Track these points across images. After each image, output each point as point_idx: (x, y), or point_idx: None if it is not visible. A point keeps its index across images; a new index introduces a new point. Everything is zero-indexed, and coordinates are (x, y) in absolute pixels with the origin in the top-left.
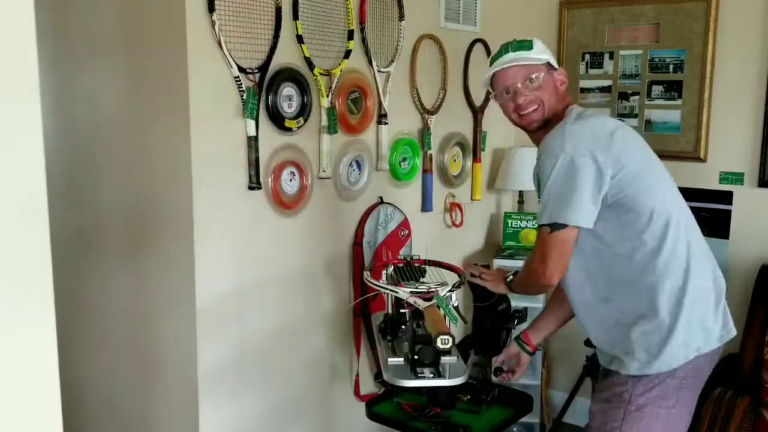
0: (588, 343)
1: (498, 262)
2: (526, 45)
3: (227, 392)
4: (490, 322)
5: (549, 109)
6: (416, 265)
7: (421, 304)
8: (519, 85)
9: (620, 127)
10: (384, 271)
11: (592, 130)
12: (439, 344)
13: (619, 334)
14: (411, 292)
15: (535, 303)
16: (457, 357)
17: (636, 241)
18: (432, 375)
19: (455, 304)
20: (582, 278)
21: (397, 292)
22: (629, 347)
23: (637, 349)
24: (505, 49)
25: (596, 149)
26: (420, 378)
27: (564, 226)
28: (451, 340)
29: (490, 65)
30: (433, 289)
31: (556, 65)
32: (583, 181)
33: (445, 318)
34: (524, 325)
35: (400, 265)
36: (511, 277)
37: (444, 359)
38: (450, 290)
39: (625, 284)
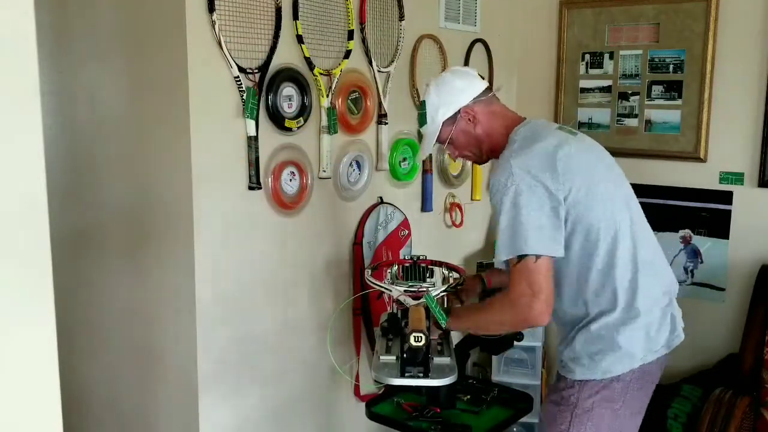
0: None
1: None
2: (422, 119)
3: (227, 392)
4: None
5: (477, 150)
6: (422, 265)
7: (410, 302)
8: (445, 151)
9: (562, 146)
10: (388, 271)
11: (537, 156)
12: (411, 341)
13: (567, 338)
14: (404, 290)
15: None
16: (450, 357)
17: (588, 262)
18: (420, 374)
19: (446, 305)
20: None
21: (390, 290)
22: (575, 353)
23: (582, 355)
24: (420, 120)
25: (544, 175)
26: (407, 377)
27: (538, 256)
28: (423, 338)
29: None
30: (424, 289)
31: (454, 110)
32: (537, 208)
33: (428, 317)
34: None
35: (407, 264)
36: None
37: (436, 359)
38: (444, 291)
39: (573, 295)
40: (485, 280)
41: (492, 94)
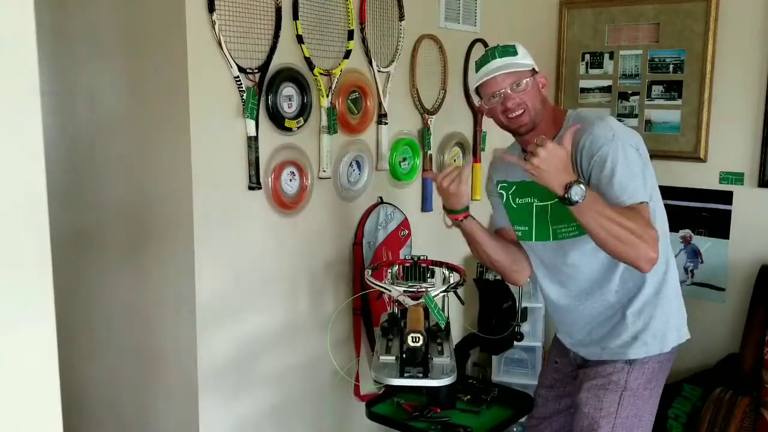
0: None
1: None
2: (511, 50)
3: (227, 392)
4: (496, 321)
5: (535, 111)
6: (423, 265)
7: (409, 302)
8: (508, 90)
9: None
10: (389, 271)
11: (625, 129)
12: (409, 342)
13: (621, 322)
14: (403, 291)
15: (536, 303)
16: (450, 357)
17: None
18: (420, 375)
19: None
20: (603, 265)
21: (389, 291)
22: (635, 332)
23: (644, 333)
24: (491, 54)
25: (639, 144)
26: (406, 377)
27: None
28: (421, 338)
29: (476, 71)
30: (423, 289)
31: (537, 68)
32: (646, 165)
33: (428, 317)
34: (526, 326)
35: (407, 264)
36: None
37: (436, 359)
38: (444, 291)
39: (627, 275)
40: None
41: None
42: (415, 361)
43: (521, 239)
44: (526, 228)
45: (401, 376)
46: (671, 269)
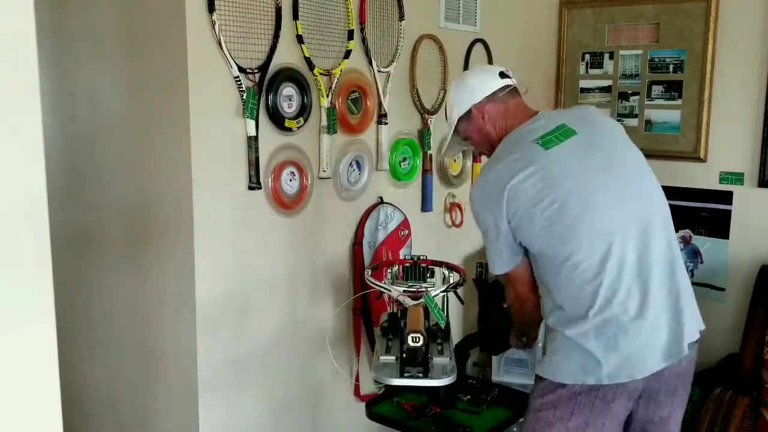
0: None
1: None
2: (447, 115)
3: (227, 392)
4: (498, 321)
5: (489, 146)
6: (423, 265)
7: (409, 302)
8: (467, 146)
9: (517, 173)
10: (389, 270)
11: (489, 189)
12: (409, 342)
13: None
14: (403, 290)
15: None
16: (450, 357)
17: (570, 274)
18: (420, 374)
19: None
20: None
21: (389, 291)
22: (547, 349)
23: (548, 352)
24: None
25: (492, 209)
26: (406, 377)
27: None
28: (421, 338)
29: None
30: (423, 289)
31: (466, 107)
32: (497, 239)
33: (428, 317)
34: None
35: (407, 264)
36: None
37: (436, 359)
38: (444, 291)
39: (556, 289)
40: None
41: (506, 93)
42: (415, 361)
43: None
44: None
45: (401, 376)
46: (570, 320)
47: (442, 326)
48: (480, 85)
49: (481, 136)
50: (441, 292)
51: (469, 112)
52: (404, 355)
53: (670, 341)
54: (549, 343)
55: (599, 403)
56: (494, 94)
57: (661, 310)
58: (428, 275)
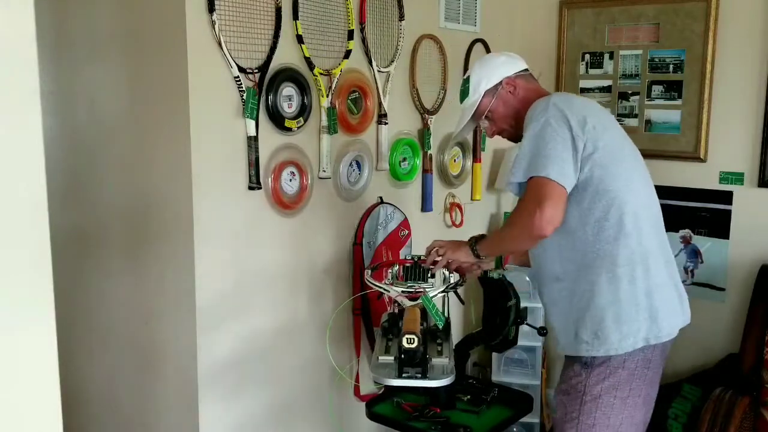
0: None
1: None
2: (464, 92)
3: (227, 392)
4: (500, 319)
5: (512, 126)
6: (423, 265)
7: (406, 303)
8: (483, 125)
9: (597, 113)
10: (390, 271)
11: (575, 105)
12: (404, 343)
13: (570, 315)
14: (401, 291)
15: (536, 303)
16: (449, 358)
17: (596, 226)
18: (418, 375)
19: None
20: (553, 252)
21: (388, 291)
22: (579, 328)
23: (585, 330)
24: (460, 98)
25: (573, 120)
26: (404, 378)
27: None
28: (416, 340)
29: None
30: (421, 290)
31: (496, 80)
32: (561, 143)
33: (425, 317)
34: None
35: (408, 264)
36: (475, 238)
37: (435, 360)
38: (443, 291)
39: (580, 267)
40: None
41: (530, 75)
42: (413, 362)
43: None
44: None
45: (400, 376)
46: (618, 267)
47: (440, 327)
48: (510, 62)
49: (507, 110)
50: (440, 292)
51: (496, 87)
52: (402, 356)
53: (683, 307)
54: (589, 323)
55: (650, 374)
56: (523, 71)
57: (676, 280)
58: (429, 275)
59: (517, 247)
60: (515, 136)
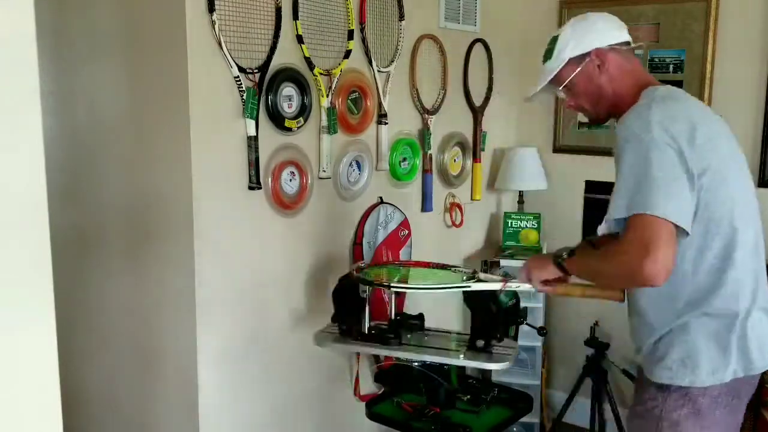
0: (589, 342)
1: (500, 262)
2: (547, 54)
3: (227, 392)
4: (503, 315)
5: (594, 106)
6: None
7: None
8: (560, 95)
9: (706, 119)
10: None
11: (679, 118)
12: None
13: (658, 330)
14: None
15: (537, 303)
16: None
17: (698, 257)
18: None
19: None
20: None
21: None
22: (667, 350)
23: (672, 354)
24: (543, 57)
25: (681, 138)
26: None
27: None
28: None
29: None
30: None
31: (584, 48)
32: (674, 172)
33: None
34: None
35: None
36: (565, 256)
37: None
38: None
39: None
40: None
41: (629, 50)
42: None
43: None
44: None
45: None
46: (716, 298)
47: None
48: (609, 30)
49: (589, 87)
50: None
51: (583, 56)
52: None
53: None
54: (669, 346)
55: (736, 402)
56: (621, 45)
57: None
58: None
59: (612, 285)
60: (594, 116)
